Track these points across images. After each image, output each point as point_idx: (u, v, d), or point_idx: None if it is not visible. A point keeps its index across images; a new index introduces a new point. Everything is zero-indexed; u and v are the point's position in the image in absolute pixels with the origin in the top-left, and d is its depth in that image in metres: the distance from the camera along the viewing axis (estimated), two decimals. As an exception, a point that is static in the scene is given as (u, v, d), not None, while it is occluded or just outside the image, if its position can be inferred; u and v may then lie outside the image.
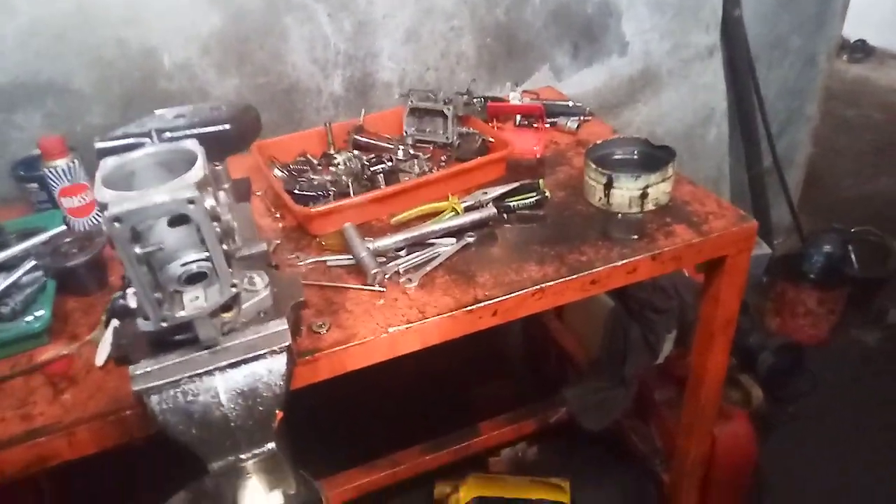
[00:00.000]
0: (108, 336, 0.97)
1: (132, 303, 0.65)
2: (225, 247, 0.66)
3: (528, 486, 1.76)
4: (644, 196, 1.19)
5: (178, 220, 0.67)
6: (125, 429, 0.91)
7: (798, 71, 2.39)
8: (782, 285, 2.33)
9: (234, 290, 0.66)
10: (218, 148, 0.84)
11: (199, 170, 0.63)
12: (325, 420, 1.93)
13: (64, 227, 1.19)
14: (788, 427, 2.07)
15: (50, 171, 1.22)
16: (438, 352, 1.07)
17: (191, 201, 0.60)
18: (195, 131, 0.84)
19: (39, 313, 1.04)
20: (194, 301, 0.66)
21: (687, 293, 1.73)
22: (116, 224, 0.58)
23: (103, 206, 0.59)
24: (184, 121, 0.87)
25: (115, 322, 0.79)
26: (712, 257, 1.19)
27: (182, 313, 0.65)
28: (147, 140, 0.82)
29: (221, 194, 0.69)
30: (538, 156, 1.45)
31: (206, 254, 0.68)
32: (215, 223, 0.63)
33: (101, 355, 0.95)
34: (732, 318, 1.27)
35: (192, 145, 0.67)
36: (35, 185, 1.32)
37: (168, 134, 0.83)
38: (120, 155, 0.66)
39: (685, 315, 1.74)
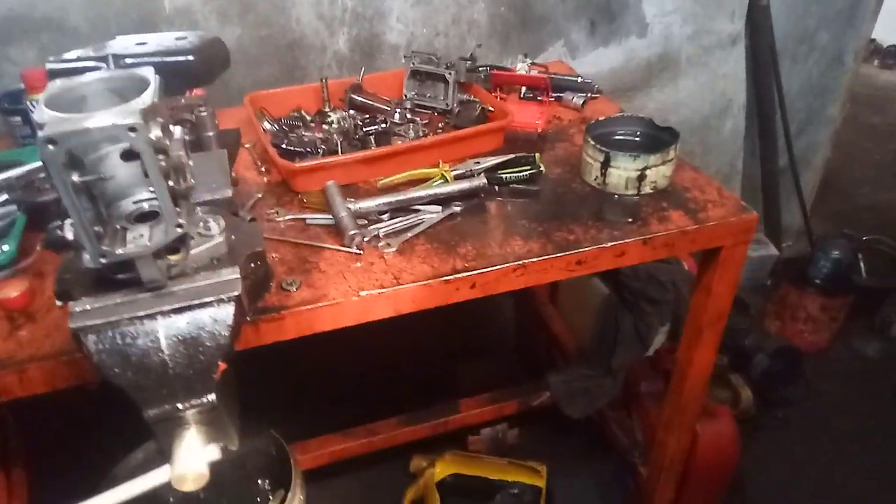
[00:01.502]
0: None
1: (69, 234, 0.61)
2: (172, 184, 0.62)
3: (505, 468, 1.73)
4: (642, 178, 1.13)
5: (132, 154, 0.63)
6: (78, 370, 0.88)
7: (823, 69, 2.30)
8: (786, 288, 2.27)
9: (179, 230, 0.63)
10: (180, 79, 0.79)
11: (147, 97, 0.59)
12: (303, 384, 1.91)
13: (41, 162, 1.16)
14: (776, 432, 2.02)
15: (33, 105, 1.19)
16: (429, 326, 1.04)
17: (132, 128, 0.56)
18: (155, 59, 0.79)
19: (5, 248, 1.01)
20: (138, 239, 0.62)
21: (684, 287, 1.68)
22: (50, 147, 0.55)
23: (40, 126, 0.55)
24: (145, 48, 0.83)
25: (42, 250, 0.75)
26: (707, 247, 1.14)
27: (121, 251, 0.61)
28: (102, 65, 0.78)
29: (177, 129, 0.65)
30: (539, 130, 1.39)
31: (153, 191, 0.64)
32: (161, 156, 0.59)
33: (62, 294, 0.92)
34: (724, 312, 1.22)
35: (147, 72, 0.63)
36: (18, 118, 1.28)
37: (127, 60, 0.79)
38: (69, 77, 0.62)
39: (680, 309, 1.69)
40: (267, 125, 1.32)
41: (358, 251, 1.06)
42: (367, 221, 1.12)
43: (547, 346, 2.04)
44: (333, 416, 1.79)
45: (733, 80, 2.13)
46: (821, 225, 2.61)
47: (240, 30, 1.59)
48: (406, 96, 1.48)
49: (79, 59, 0.81)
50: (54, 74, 0.62)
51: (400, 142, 1.31)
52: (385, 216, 1.14)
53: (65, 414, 1.48)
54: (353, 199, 1.13)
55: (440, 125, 1.42)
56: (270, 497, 1.03)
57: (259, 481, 1.05)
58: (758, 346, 2.04)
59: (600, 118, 1.27)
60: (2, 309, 0.94)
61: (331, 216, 1.11)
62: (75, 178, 0.57)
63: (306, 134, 1.33)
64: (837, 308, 2.23)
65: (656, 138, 1.22)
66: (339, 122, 1.36)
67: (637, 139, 1.26)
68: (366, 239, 1.08)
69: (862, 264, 2.34)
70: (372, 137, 1.31)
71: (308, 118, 1.40)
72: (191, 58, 0.82)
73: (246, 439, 0.76)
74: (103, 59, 0.80)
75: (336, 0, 1.63)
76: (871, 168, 3.37)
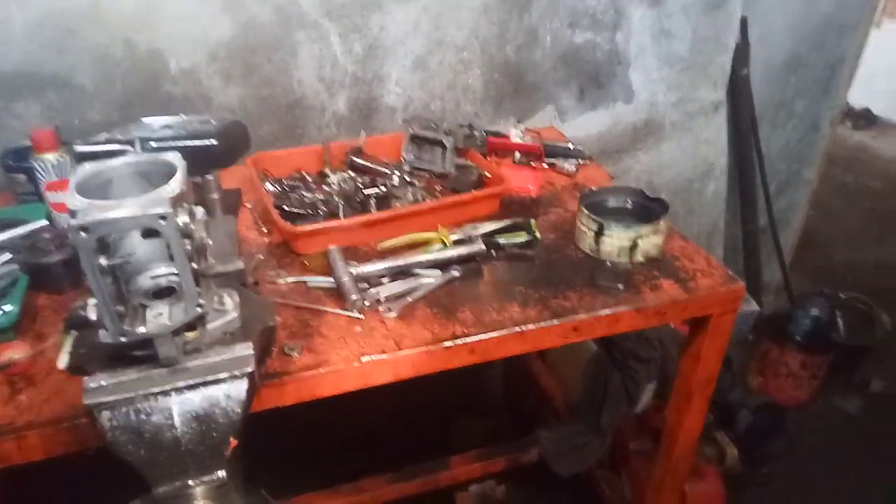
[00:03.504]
0: (70, 340, 0.95)
1: (92, 314, 0.63)
2: (195, 265, 0.64)
3: (494, 527, 1.72)
4: (634, 247, 1.18)
5: (151, 231, 0.65)
6: (78, 437, 0.88)
7: (801, 134, 2.41)
8: (767, 344, 2.32)
9: (199, 310, 0.65)
10: (203, 162, 0.82)
11: (175, 185, 0.61)
12: (292, 441, 1.89)
13: (45, 222, 1.18)
14: (761, 489, 2.04)
15: (39, 164, 1.21)
16: (415, 381, 1.06)
17: (162, 217, 0.58)
18: (180, 143, 0.82)
19: (7, 308, 1.01)
20: (157, 318, 0.64)
21: (672, 345, 1.72)
22: (83, 234, 0.57)
23: (73, 213, 0.58)
24: (170, 132, 0.86)
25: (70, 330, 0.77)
26: (697, 315, 1.18)
27: (143, 329, 0.63)
28: (129, 148, 0.81)
29: (199, 210, 0.67)
30: (533, 195, 1.44)
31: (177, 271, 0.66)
32: (187, 240, 0.62)
33: (64, 359, 0.92)
34: (712, 377, 1.25)
35: (174, 158, 0.66)
36: (22, 175, 1.30)
37: (153, 143, 0.82)
38: (98, 161, 0.65)
39: (667, 367, 1.72)
40: (269, 186, 1.35)
41: (359, 315, 1.08)
42: (367, 285, 1.15)
43: (536, 402, 2.05)
44: (321, 474, 1.77)
45: (715, 145, 2.22)
46: (800, 281, 2.69)
47: (242, 90, 1.64)
48: (405, 159, 1.52)
49: (108, 141, 0.83)
50: (83, 157, 0.65)
51: (399, 205, 1.35)
52: (385, 280, 1.16)
53: (54, 476, 1.45)
54: (355, 263, 1.15)
55: (437, 188, 1.47)
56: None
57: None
58: (741, 402, 2.07)
59: (593, 188, 1.32)
60: (2, 373, 0.94)
61: (332, 279, 1.14)
62: (103, 261, 0.59)
63: (307, 195, 1.36)
64: (818, 365, 2.28)
65: (647, 208, 1.27)
66: (339, 184, 1.40)
67: (629, 207, 1.31)
68: (367, 303, 1.10)
69: (840, 322, 2.40)
70: (372, 200, 1.35)
71: (309, 179, 1.43)
72: (214, 141, 0.85)
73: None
74: (129, 142, 0.82)
75: (337, 64, 1.69)
76: (846, 226, 3.49)
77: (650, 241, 1.18)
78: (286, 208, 1.30)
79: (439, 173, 1.49)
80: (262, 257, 1.22)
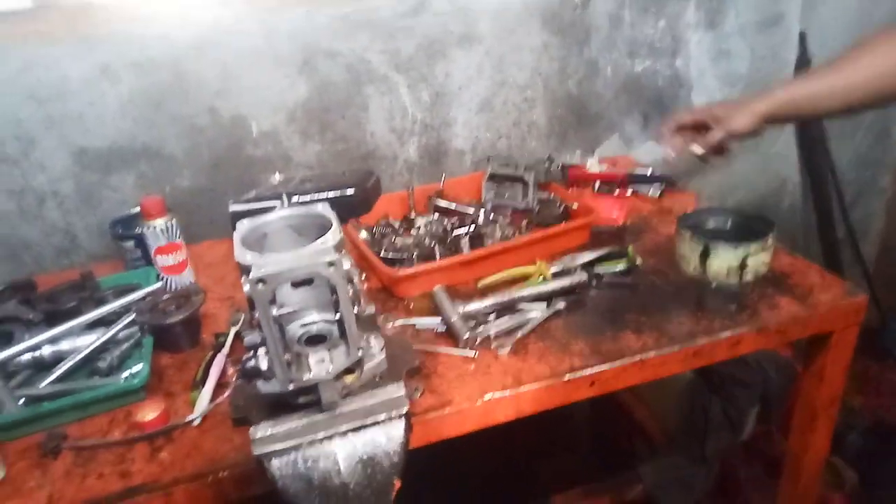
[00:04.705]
0: (205, 394, 0.97)
1: (263, 364, 0.64)
2: (355, 309, 0.65)
3: (603, 570, 1.65)
4: (743, 266, 1.15)
5: (304, 281, 0.67)
6: (221, 490, 0.89)
7: (871, 142, 2.35)
8: (864, 362, 2.22)
9: (360, 353, 0.66)
10: (342, 211, 0.85)
11: (335, 233, 0.64)
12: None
13: (160, 285, 1.22)
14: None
15: (148, 230, 1.26)
16: (503, 426, 1.04)
17: (331, 264, 0.60)
18: (323, 195, 0.85)
19: (137, 369, 1.05)
20: (321, 363, 0.65)
21: (770, 367, 1.66)
22: (260, 286, 0.59)
23: (246, 269, 0.60)
24: (311, 185, 0.89)
25: (238, 381, 0.78)
26: (819, 332, 1.14)
27: (309, 376, 0.64)
28: (277, 202, 0.84)
29: (348, 257, 0.69)
30: (619, 222, 1.43)
31: (327, 315, 0.68)
32: (350, 285, 0.63)
33: (199, 411, 0.94)
34: (836, 396, 1.20)
35: (324, 209, 0.68)
36: (131, 242, 1.36)
37: (296, 197, 0.85)
38: (254, 217, 0.68)
39: (769, 389, 1.66)
40: (363, 234, 1.38)
41: (473, 353, 1.07)
42: (474, 322, 1.15)
43: (629, 437, 1.99)
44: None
45: (785, 160, 2.18)
46: (885, 294, 2.57)
47: (320, 146, 1.69)
48: (486, 198, 1.54)
49: (257, 199, 0.87)
50: (238, 216, 0.68)
51: (490, 242, 1.36)
52: (491, 317, 1.16)
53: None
54: (460, 302, 1.16)
55: (522, 223, 1.47)
56: None
57: None
58: (848, 424, 1.97)
59: (689, 210, 1.31)
60: (141, 431, 0.97)
61: (440, 319, 1.14)
62: (274, 311, 0.61)
63: (397, 240, 1.39)
64: (920, 378, 2.16)
65: (747, 226, 1.25)
66: (426, 227, 1.42)
67: (728, 228, 1.29)
68: (479, 341, 1.10)
69: (936, 331, 2.29)
70: (464, 240, 1.36)
71: (396, 225, 1.46)
72: (352, 191, 0.89)
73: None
74: (277, 196, 0.86)
75: (407, 114, 1.74)
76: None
77: (759, 258, 1.16)
78: (382, 254, 1.32)
79: (522, 208, 1.50)
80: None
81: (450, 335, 1.11)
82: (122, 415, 1.00)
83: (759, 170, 2.15)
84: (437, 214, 1.49)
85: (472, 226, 1.40)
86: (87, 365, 1.09)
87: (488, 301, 1.16)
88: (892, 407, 2.17)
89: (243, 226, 0.67)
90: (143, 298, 1.15)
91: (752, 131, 1.13)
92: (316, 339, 0.71)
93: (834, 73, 1.05)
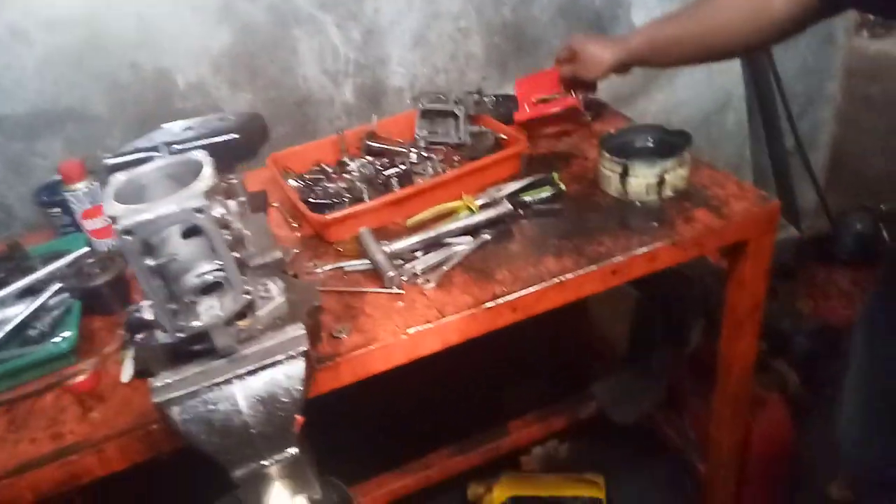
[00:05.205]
0: (132, 353, 0.99)
1: (148, 315, 0.65)
2: (237, 254, 0.66)
3: (562, 484, 1.74)
4: (661, 183, 1.17)
5: (190, 231, 0.68)
6: (153, 443, 0.92)
7: (815, 50, 2.33)
8: (813, 268, 2.28)
9: (247, 297, 0.67)
10: (227, 157, 0.84)
11: (206, 179, 0.63)
12: (351, 426, 1.93)
13: (87, 249, 1.22)
14: (826, 410, 2.01)
15: (71, 195, 1.25)
16: (461, 353, 1.07)
17: (199, 210, 0.60)
18: (203, 142, 0.84)
19: (66, 334, 1.05)
20: (210, 310, 0.66)
21: (711, 280, 1.70)
22: (127, 237, 0.59)
23: (114, 220, 0.60)
24: (192, 132, 0.88)
25: (136, 336, 0.80)
26: (735, 241, 1.16)
27: (197, 323, 0.65)
28: (156, 153, 0.83)
29: (232, 203, 0.69)
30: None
31: (220, 263, 0.68)
32: (225, 231, 0.64)
33: (127, 372, 0.96)
34: (759, 302, 1.24)
35: (200, 155, 0.68)
36: (58, 209, 1.34)
37: (177, 146, 0.84)
38: (129, 170, 0.67)
39: (710, 301, 1.70)
40: (292, 182, 1.37)
41: (399, 290, 1.09)
42: (402, 261, 1.16)
43: (587, 360, 2.05)
44: (381, 455, 1.80)
45: (729, 73, 2.17)
46: (837, 201, 2.61)
47: (251, 95, 1.65)
48: (418, 136, 1.53)
49: (134, 151, 0.86)
50: (113, 169, 0.67)
51: (421, 180, 1.36)
52: (419, 253, 1.18)
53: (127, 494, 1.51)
54: (386, 242, 1.17)
55: (455, 159, 1.47)
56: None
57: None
58: (795, 329, 2.04)
59: (611, 131, 1.31)
60: (72, 394, 0.98)
61: (368, 261, 1.16)
62: (150, 262, 0.62)
63: (330, 185, 1.38)
64: (868, 279, 2.23)
65: (669, 143, 1.25)
66: (359, 170, 1.41)
67: (650, 145, 1.29)
68: (404, 278, 1.11)
69: (885, 233, 2.34)
70: (394, 180, 1.36)
71: (329, 170, 1.45)
72: (235, 136, 0.87)
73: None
74: (154, 148, 0.85)
75: (339, 54, 1.69)
76: (877, 138, 3.37)
77: (677, 174, 1.17)
78: (312, 200, 1.32)
79: (455, 144, 1.49)
80: (297, 251, 1.24)
81: (377, 276, 1.13)
82: (54, 379, 1.02)
83: (704, 85, 2.13)
84: (370, 157, 1.47)
85: (404, 165, 1.40)
86: (20, 335, 1.09)
87: (414, 238, 1.17)
88: (839, 309, 2.24)
89: (117, 179, 0.66)
90: (70, 264, 1.15)
91: (604, 77, 1.24)
92: (212, 288, 0.72)
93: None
